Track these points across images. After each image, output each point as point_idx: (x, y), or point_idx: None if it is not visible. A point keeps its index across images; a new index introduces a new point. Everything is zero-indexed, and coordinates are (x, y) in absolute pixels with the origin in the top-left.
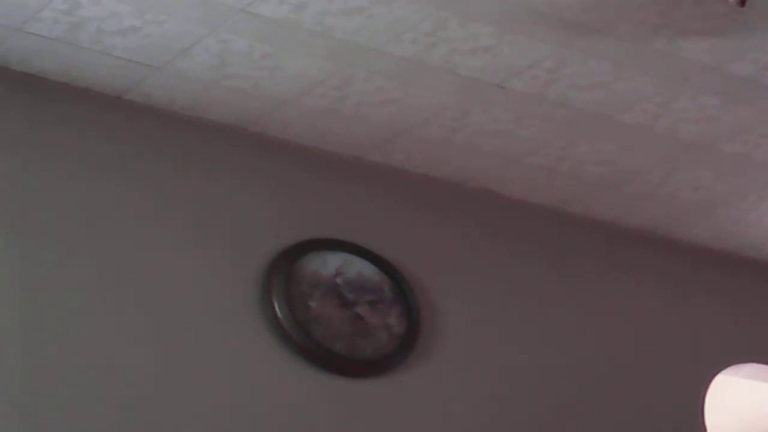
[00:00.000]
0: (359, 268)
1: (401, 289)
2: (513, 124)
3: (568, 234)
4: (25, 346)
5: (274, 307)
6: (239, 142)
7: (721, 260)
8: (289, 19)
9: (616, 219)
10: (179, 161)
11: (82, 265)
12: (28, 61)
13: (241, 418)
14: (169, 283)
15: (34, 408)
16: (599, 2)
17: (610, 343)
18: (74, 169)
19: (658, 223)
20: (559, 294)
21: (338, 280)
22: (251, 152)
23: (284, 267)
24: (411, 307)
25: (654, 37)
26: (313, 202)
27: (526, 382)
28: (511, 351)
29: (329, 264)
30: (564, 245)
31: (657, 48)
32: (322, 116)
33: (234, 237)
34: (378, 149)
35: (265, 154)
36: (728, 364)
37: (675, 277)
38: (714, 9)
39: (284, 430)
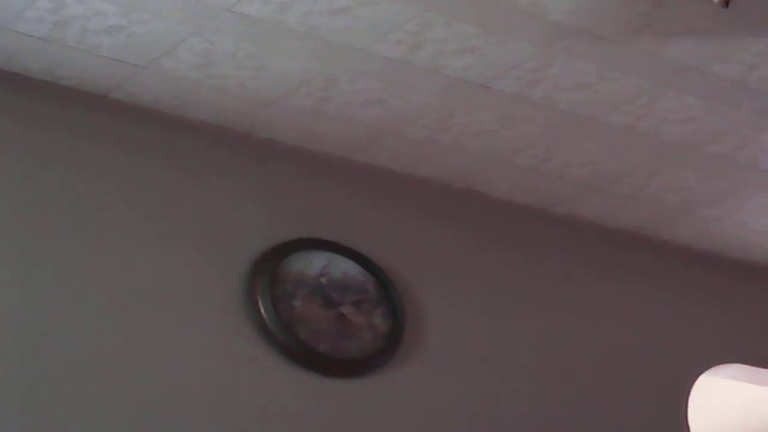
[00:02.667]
0: (344, 267)
1: (386, 289)
2: (498, 124)
3: (552, 234)
4: (23, 345)
5: (258, 307)
6: (224, 142)
7: (705, 261)
8: (274, 19)
9: (600, 219)
10: (164, 160)
11: (63, 265)
12: (12, 59)
13: (226, 418)
14: (153, 283)
15: (33, 407)
16: (583, 3)
17: (594, 343)
18: (58, 168)
19: (642, 223)
20: (544, 294)
21: (323, 280)
22: (236, 152)
23: (269, 267)
24: (395, 306)
25: (638, 38)
26: (297, 201)
27: (510, 382)
28: (496, 351)
29: (314, 264)
30: (548, 246)
31: (641, 49)
32: (307, 116)
33: (218, 236)
34: (363, 149)
35: (250, 154)
36: (712, 365)
37: (659, 277)
38: (698, 10)
39: (269, 431)
